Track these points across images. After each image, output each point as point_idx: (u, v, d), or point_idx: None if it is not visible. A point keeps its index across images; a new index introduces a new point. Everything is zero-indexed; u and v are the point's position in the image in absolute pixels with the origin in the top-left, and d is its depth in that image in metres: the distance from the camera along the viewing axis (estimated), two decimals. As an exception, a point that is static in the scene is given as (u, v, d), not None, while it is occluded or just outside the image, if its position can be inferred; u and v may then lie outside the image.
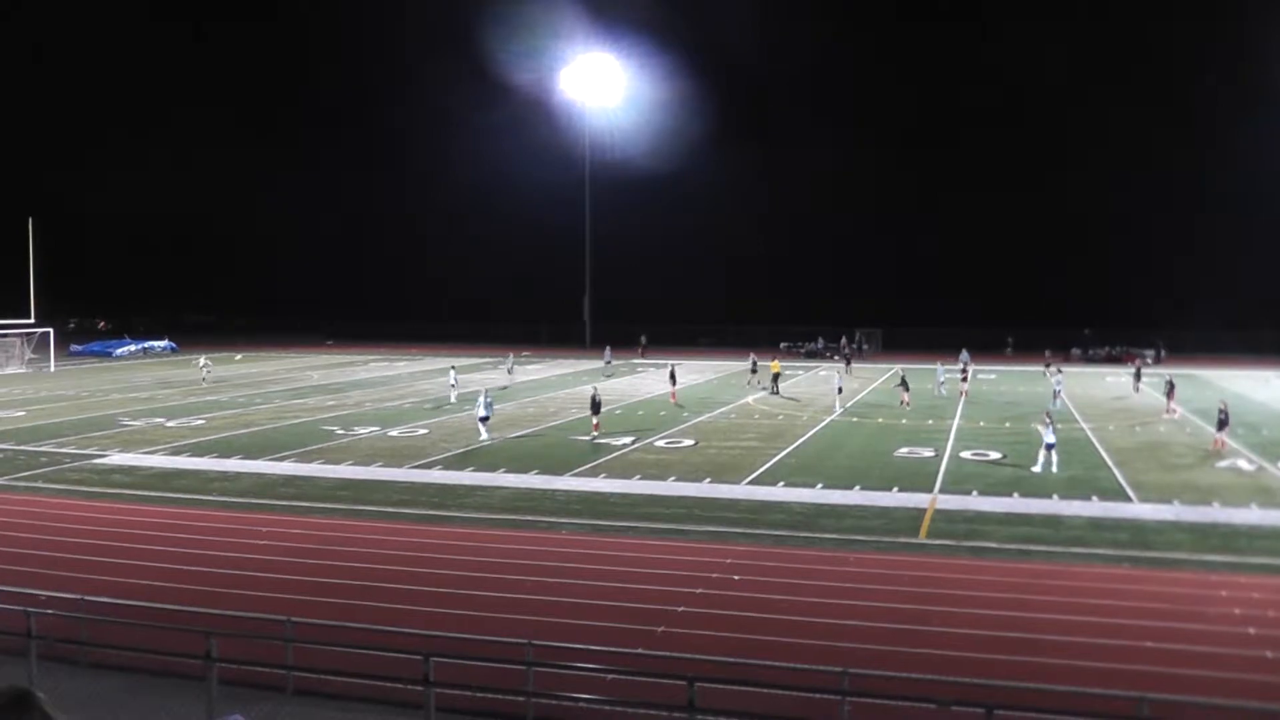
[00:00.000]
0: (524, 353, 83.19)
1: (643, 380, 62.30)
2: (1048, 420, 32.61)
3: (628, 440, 37.64)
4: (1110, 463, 33.27)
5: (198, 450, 35.99)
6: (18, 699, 3.08)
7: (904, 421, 43.26)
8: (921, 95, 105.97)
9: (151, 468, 32.77)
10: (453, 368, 57.01)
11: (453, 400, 49.32)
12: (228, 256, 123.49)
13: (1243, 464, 33.14)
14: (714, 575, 20.56)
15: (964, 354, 64.93)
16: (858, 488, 29.11)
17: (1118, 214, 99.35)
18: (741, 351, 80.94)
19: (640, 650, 16.02)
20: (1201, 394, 51.98)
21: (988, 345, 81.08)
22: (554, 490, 28.93)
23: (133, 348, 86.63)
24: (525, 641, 15.01)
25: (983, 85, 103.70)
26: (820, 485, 29.45)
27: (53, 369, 70.19)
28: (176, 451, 35.83)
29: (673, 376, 51.74)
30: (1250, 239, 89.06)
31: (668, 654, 15.62)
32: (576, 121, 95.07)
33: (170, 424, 42.53)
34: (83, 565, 21.44)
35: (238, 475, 31.45)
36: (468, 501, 27.66)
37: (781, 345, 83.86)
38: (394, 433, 39.95)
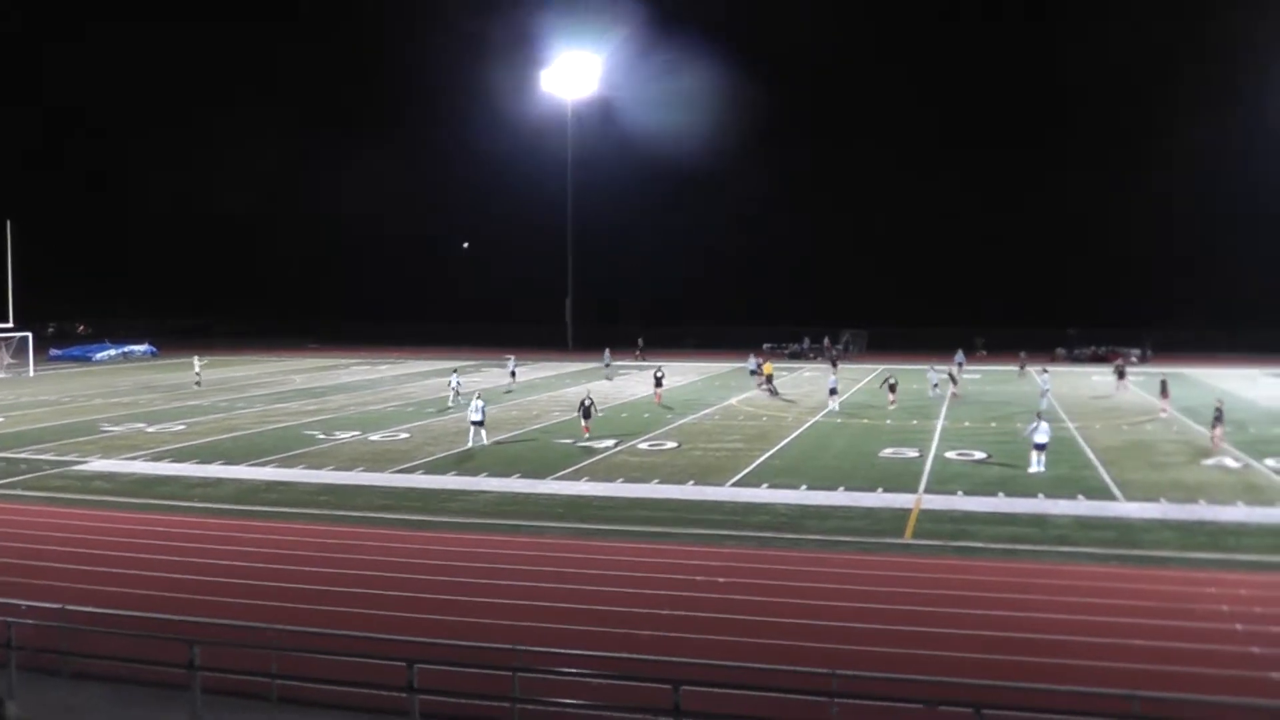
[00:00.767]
0: (507, 356, 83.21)
1: (627, 382, 62.25)
2: (1038, 420, 32.68)
3: (611, 443, 37.60)
4: (1097, 461, 33.38)
5: (179, 456, 35.83)
6: None
7: (889, 422, 43.34)
8: (907, 95, 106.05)
9: (133, 474, 32.61)
10: (455, 370, 56.79)
11: (451, 404, 49.11)
12: (209, 259, 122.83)
13: (1229, 462, 33.28)
14: (699, 578, 20.55)
15: (959, 355, 65.16)
16: (842, 489, 29.16)
17: (1105, 213, 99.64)
18: (728, 353, 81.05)
19: (625, 654, 15.99)
20: (1190, 393, 52.18)
21: (958, 346, 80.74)
22: (537, 494, 28.87)
23: (112, 352, 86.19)
24: (512, 647, 14.98)
25: (968, 87, 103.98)
26: (805, 486, 29.47)
27: (32, 374, 69.77)
28: (158, 457, 35.66)
29: (658, 379, 51.73)
30: (1237, 236, 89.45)
31: (653, 658, 15.60)
32: (561, 118, 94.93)
33: (151, 429, 42.33)
34: (64, 574, 21.32)
35: (219, 481, 31.31)
36: (451, 506, 27.59)
37: (765, 346, 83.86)
38: (376, 437, 39.82)
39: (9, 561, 22.35)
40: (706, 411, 47.33)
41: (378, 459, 34.69)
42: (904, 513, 26.13)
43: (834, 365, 62.71)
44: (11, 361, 73.47)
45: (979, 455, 34.84)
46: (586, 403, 39.95)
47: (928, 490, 28.95)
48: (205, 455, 35.87)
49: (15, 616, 16.27)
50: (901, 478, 30.76)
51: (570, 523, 25.46)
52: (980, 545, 22.93)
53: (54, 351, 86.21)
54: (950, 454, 35.09)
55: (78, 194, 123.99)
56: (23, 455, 36.26)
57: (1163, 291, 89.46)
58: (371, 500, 28.27)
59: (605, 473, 31.88)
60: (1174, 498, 27.60)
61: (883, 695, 13.78)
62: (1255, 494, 28.24)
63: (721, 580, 20.45)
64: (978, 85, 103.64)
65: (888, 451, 35.75)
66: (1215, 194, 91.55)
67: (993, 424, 42.64)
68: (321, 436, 39.95)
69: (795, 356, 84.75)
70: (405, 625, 17.71)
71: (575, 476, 31.37)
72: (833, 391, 48.41)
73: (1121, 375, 54.66)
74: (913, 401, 50.41)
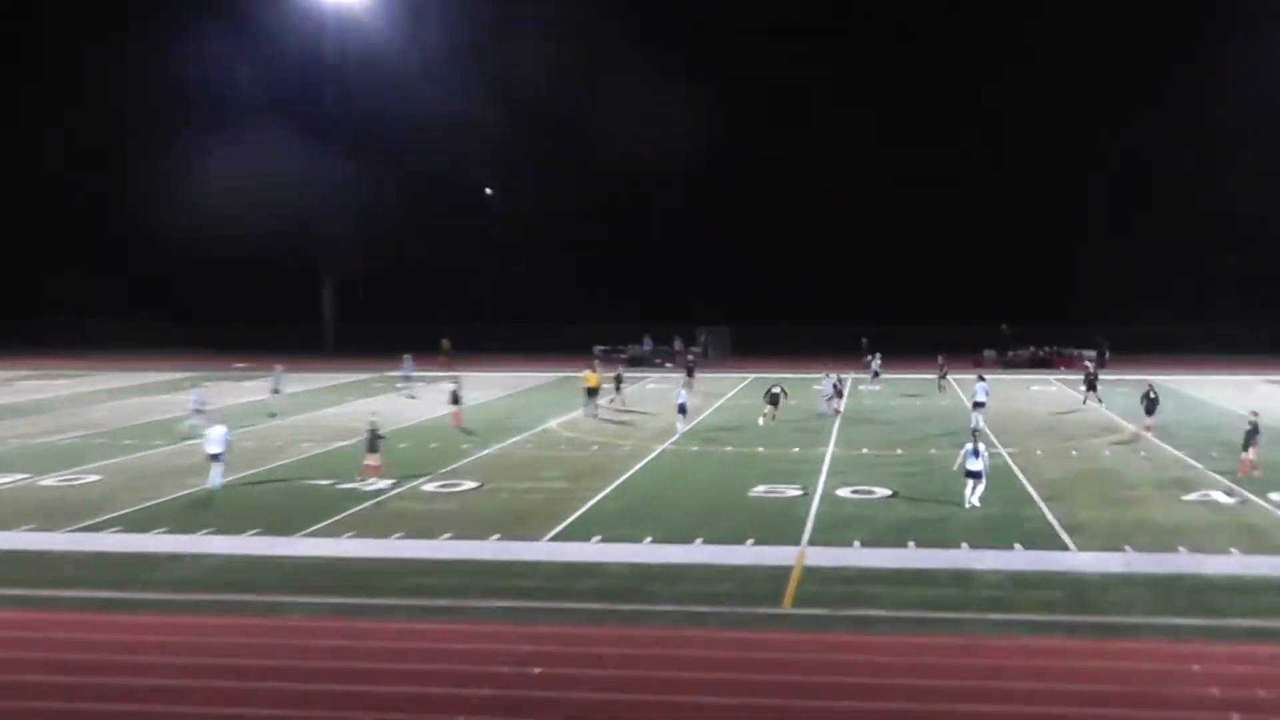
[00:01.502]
0: (237, 365, 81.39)
1: (416, 400, 61.41)
2: (974, 439, 33.16)
3: (386, 485, 36.84)
4: (1038, 498, 33.92)
5: None
6: None
7: (761, 450, 43.48)
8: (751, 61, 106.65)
9: None
10: (193, 385, 55.11)
11: (190, 429, 47.51)
12: None
13: (1219, 496, 34.11)
14: (505, 669, 20.07)
15: (875, 361, 66.31)
16: (700, 540, 29.01)
17: (1035, 185, 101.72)
18: (549, 360, 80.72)
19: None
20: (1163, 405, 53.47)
21: (844, 347, 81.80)
22: (281, 557, 28.02)
23: None
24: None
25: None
26: (649, 539, 29.24)
27: None
28: None
29: (454, 396, 51.07)
30: (1203, 216, 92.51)
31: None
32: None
33: None
34: None
35: None
36: (156, 577, 26.54)
37: (597, 350, 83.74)
38: (50, 481, 38.29)
39: None
40: (518, 439, 46.90)
41: (52, 513, 33.32)
42: (782, 571, 26.04)
43: (689, 374, 62.89)
44: None
45: (881, 492, 35.16)
46: (374, 430, 38.55)
47: (814, 540, 28.98)
48: None
49: None
50: (779, 524, 30.75)
51: (324, 596, 24.72)
52: (883, 614, 22.91)
53: None
54: (844, 491, 35.29)
55: None
56: None
57: (1122, 279, 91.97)
58: (41, 573, 27.00)
59: (377, 525, 31.19)
60: (1142, 545, 28.09)
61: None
62: (1254, 539, 28.87)
63: (536, 672, 19.99)
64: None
65: (760, 489, 35.80)
66: (1183, 164, 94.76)
67: (899, 450, 43.11)
68: (-30, 482, 38.28)
69: (636, 362, 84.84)
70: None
71: (335, 531, 30.63)
72: (681, 410, 48.36)
73: (1092, 386, 55.71)
74: (797, 420, 50.71)
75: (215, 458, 36.80)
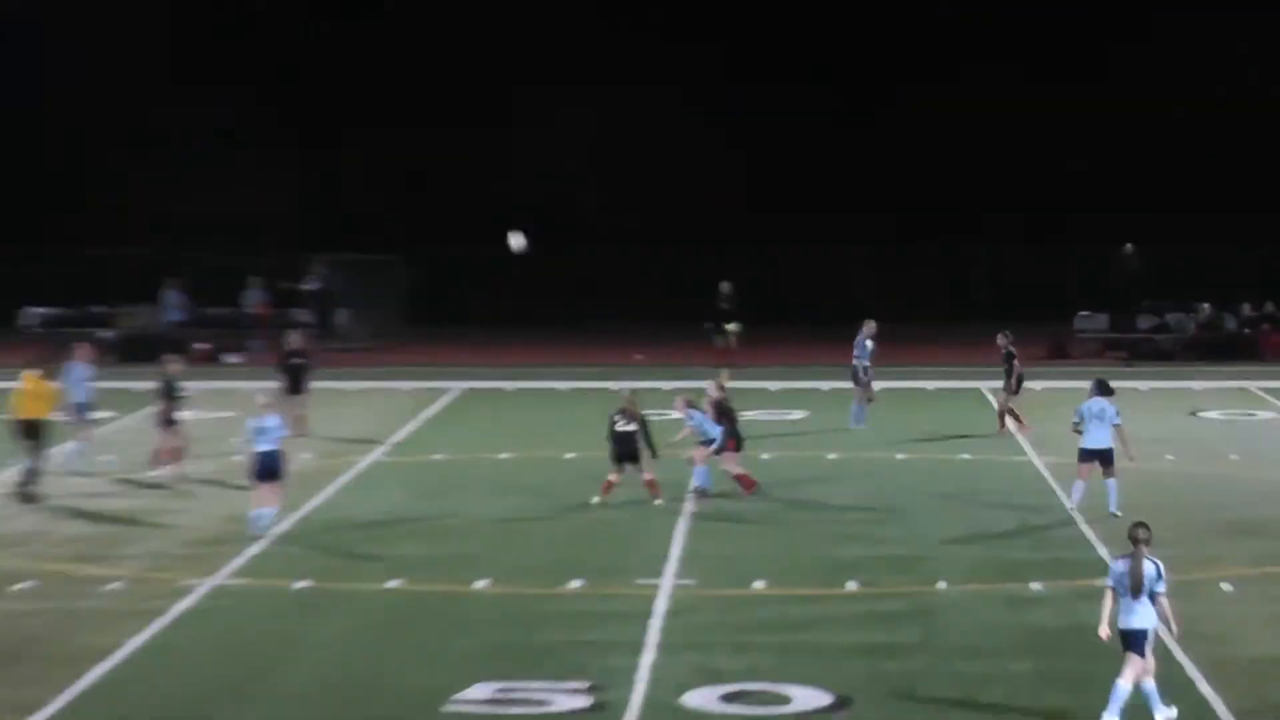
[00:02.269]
0: None
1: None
2: (1135, 551, 14.24)
3: None
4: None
5: None
6: None
7: (485, 584, 19.39)
8: None
9: None
10: None
11: None
12: None
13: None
14: None
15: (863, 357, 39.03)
16: None
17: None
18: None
19: None
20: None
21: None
22: None
23: None
24: None
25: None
26: None
27: None
28: None
29: None
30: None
31: None
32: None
33: None
34: None
35: None
36: None
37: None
38: None
39: None
40: None
41: None
42: None
43: (293, 383, 32.32)
44: None
45: (809, 700, 16.18)
46: None
47: None
48: None
49: None
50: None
51: None
52: None
53: None
54: (699, 698, 14.89)
55: None
56: None
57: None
58: None
59: None
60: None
61: None
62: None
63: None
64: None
65: (478, 693, 16.03)
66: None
67: (852, 584, 19.35)
68: None
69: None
70: None
71: None
72: (264, 468, 23.40)
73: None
74: (625, 496, 24.47)
75: None
